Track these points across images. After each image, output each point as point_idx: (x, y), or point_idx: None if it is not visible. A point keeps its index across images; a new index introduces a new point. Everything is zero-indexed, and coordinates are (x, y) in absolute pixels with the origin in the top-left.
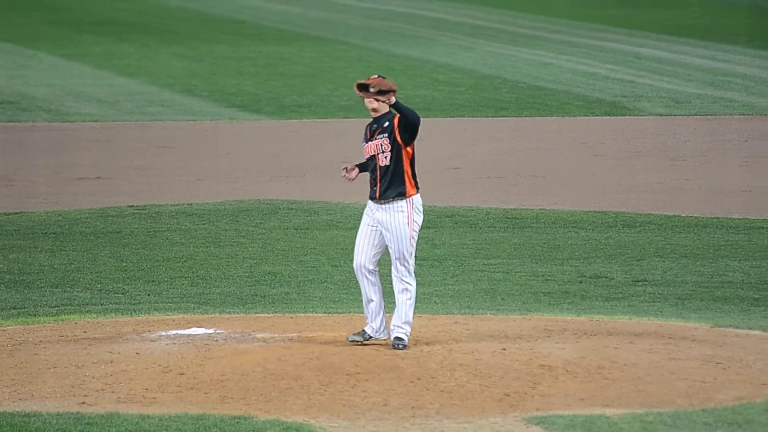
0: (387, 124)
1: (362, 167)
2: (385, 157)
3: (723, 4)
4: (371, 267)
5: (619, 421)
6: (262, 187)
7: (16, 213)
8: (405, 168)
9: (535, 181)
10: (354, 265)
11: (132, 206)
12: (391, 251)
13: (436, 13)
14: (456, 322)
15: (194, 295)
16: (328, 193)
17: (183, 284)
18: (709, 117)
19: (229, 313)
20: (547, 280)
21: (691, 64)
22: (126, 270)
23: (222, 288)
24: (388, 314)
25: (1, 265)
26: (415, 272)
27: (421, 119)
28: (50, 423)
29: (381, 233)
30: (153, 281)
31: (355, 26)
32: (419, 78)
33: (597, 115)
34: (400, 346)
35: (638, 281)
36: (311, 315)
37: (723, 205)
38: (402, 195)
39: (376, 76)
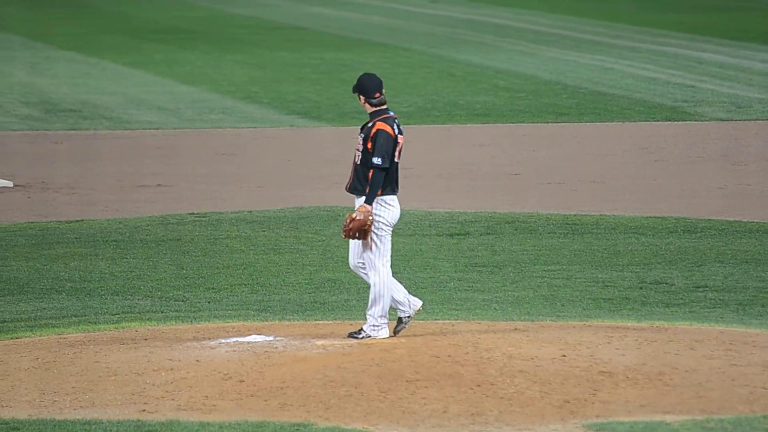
0: (369, 125)
1: None
2: (358, 157)
3: None
4: (360, 261)
5: (679, 427)
6: (322, 194)
7: (78, 221)
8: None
9: (596, 187)
10: (349, 265)
11: (192, 214)
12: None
13: (499, 20)
14: (516, 329)
15: (254, 302)
16: None
17: (243, 291)
18: None
19: (289, 320)
20: (607, 286)
21: (752, 69)
22: (186, 277)
23: (282, 295)
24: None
25: (63, 273)
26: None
27: (485, 124)
28: (111, 430)
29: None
30: (213, 289)
31: (417, 32)
32: (480, 84)
33: (658, 121)
34: (353, 334)
35: (699, 287)
36: None
37: None
38: (364, 192)
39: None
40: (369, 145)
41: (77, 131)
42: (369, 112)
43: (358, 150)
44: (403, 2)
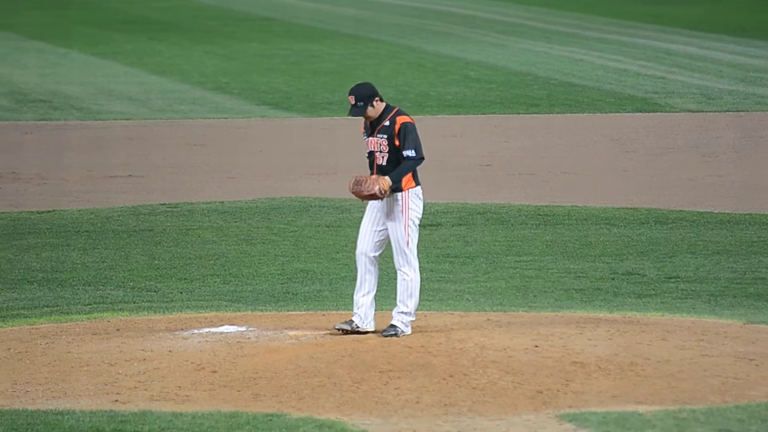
0: (388, 123)
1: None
2: (383, 158)
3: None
4: (372, 255)
5: (652, 418)
6: (293, 185)
7: (49, 211)
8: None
9: (567, 178)
10: (357, 251)
11: (164, 204)
12: (391, 240)
13: (468, 10)
14: (488, 319)
15: (226, 292)
16: None
17: (215, 282)
18: (741, 113)
19: (261, 310)
20: (579, 276)
21: (722, 60)
22: (158, 268)
23: (254, 286)
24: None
25: (35, 264)
26: (418, 262)
27: (456, 115)
28: (83, 421)
29: (383, 220)
30: (185, 279)
31: (387, 23)
32: (451, 75)
33: (628, 112)
34: (390, 333)
35: (671, 278)
36: (343, 312)
37: (755, 202)
38: (397, 189)
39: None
40: (397, 143)
41: (47, 121)
42: (381, 110)
43: (380, 152)
44: None
